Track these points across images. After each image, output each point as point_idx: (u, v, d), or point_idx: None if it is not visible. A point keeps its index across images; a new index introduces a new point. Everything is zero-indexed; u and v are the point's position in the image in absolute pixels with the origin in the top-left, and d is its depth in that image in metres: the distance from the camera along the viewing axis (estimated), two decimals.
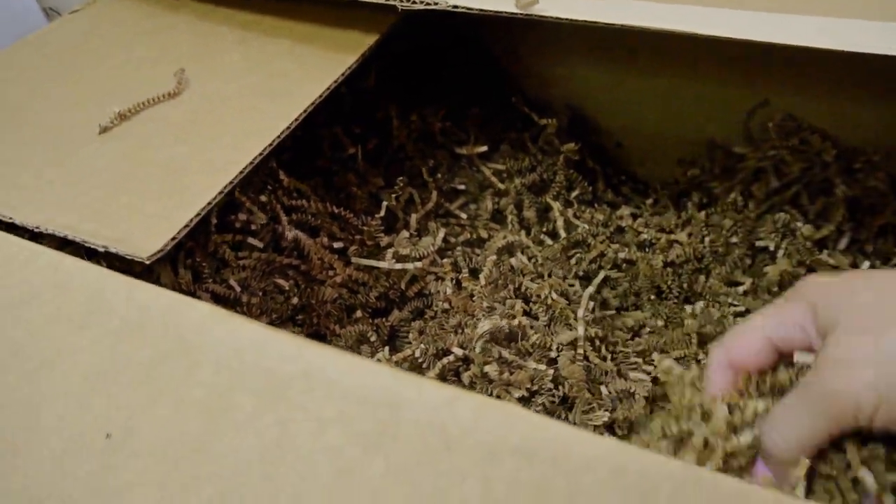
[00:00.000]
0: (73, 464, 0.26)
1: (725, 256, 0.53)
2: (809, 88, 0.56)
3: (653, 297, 0.50)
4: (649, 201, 0.60)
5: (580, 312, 0.42)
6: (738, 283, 0.51)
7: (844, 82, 0.55)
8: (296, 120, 0.38)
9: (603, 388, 0.41)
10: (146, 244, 0.32)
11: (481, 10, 0.42)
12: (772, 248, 0.51)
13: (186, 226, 0.32)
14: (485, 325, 0.39)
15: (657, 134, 0.64)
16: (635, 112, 0.63)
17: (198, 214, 0.32)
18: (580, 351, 0.41)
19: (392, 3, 0.43)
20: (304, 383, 0.24)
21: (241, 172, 0.35)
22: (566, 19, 0.42)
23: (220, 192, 0.34)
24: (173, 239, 0.31)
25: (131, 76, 0.42)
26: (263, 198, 0.46)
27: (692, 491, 0.20)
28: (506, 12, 0.43)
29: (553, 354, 0.41)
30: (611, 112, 0.64)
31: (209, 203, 0.33)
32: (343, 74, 0.41)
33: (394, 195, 0.49)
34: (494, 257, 0.46)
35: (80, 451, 0.26)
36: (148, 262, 0.31)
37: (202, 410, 0.25)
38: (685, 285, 0.51)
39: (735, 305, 0.49)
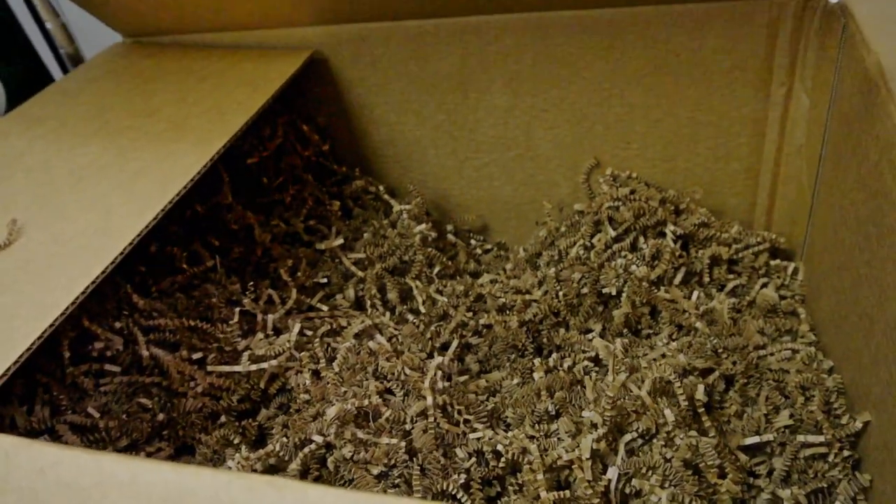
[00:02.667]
0: None
1: (578, 307, 0.56)
2: (631, 144, 0.62)
3: (512, 356, 0.53)
4: (508, 265, 0.64)
5: (426, 382, 0.44)
6: (591, 331, 0.55)
7: (658, 134, 0.61)
8: (112, 262, 0.40)
9: (458, 451, 0.43)
10: None
11: None
12: (614, 292, 0.55)
13: (7, 372, 0.33)
14: (332, 411, 0.41)
15: (513, 203, 0.69)
16: (489, 185, 0.68)
17: (21, 355, 0.34)
18: (431, 419, 0.43)
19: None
20: (100, 491, 0.26)
21: (62, 314, 0.37)
22: None
23: (45, 331, 0.35)
24: None
25: None
26: (119, 323, 0.48)
27: None
28: None
29: (408, 427, 0.44)
30: (468, 188, 0.69)
31: (31, 344, 0.35)
32: (171, 202, 0.44)
33: (250, 298, 0.51)
34: (349, 343, 0.48)
35: None
36: None
37: None
38: (545, 339, 0.55)
39: (586, 352, 0.52)
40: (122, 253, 0.42)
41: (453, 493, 0.39)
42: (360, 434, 0.42)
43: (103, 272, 0.40)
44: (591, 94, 0.60)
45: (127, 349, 0.47)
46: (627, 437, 0.40)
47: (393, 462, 0.42)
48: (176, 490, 0.26)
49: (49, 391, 0.44)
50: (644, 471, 0.37)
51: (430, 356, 0.51)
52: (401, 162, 0.68)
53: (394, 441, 0.41)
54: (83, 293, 0.39)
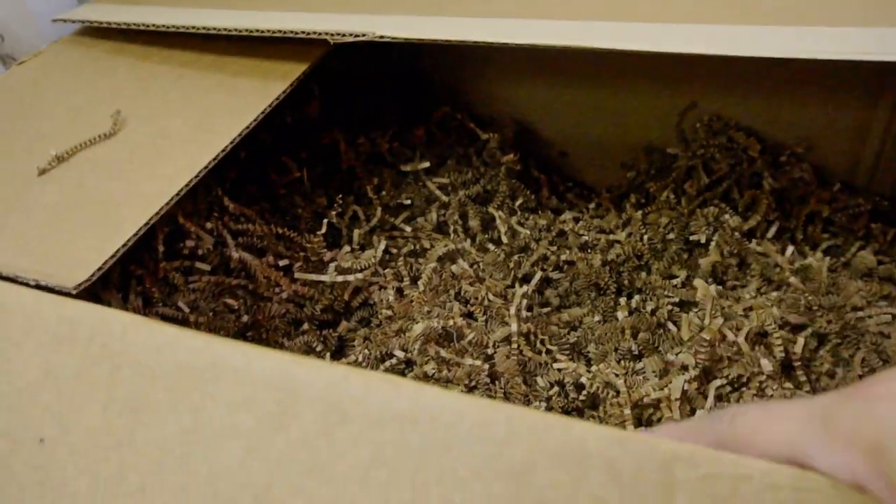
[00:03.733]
0: (14, 464, 0.28)
1: (663, 252, 0.55)
2: (734, 90, 0.59)
3: (592, 294, 0.52)
4: (592, 205, 0.62)
5: (512, 310, 0.44)
6: (675, 276, 0.53)
7: (767, 81, 0.58)
8: (226, 147, 0.40)
9: (539, 380, 0.43)
10: (74, 276, 0.34)
11: (406, 38, 0.45)
12: (703, 240, 0.53)
13: (113, 256, 0.34)
14: (418, 328, 0.41)
15: (599, 142, 0.66)
16: (577, 123, 0.66)
17: (124, 245, 0.35)
18: (514, 346, 0.43)
19: (323, 37, 0.46)
20: (213, 373, 0.26)
21: (168, 203, 0.37)
22: (497, 43, 0.45)
23: (146, 224, 0.36)
24: (99, 269, 0.34)
25: (72, 120, 0.44)
26: (210, 224, 0.48)
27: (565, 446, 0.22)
28: (437, 40, 0.45)
29: (490, 351, 0.44)
30: (554, 124, 0.67)
31: (134, 234, 0.35)
32: (271, 105, 0.44)
33: (336, 213, 0.51)
34: (434, 264, 0.48)
35: (19, 453, 0.28)
36: (74, 293, 0.33)
37: (126, 407, 0.27)
38: (626, 282, 0.54)
39: (670, 297, 0.51)
40: (224, 150, 0.42)
41: None
42: (444, 353, 0.42)
43: (206, 167, 0.41)
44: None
45: (216, 250, 0.48)
46: (718, 382, 0.40)
47: (475, 383, 0.42)
48: (290, 380, 0.26)
49: (142, 283, 0.46)
50: None
51: (511, 286, 0.51)
52: (489, 91, 0.67)
53: (477, 363, 0.41)
54: (187, 185, 0.39)
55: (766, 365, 0.38)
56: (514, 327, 0.43)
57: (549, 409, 0.41)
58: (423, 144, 0.62)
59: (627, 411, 0.37)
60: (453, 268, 0.50)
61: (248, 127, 0.43)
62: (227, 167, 0.53)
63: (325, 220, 0.49)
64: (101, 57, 0.51)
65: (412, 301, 0.46)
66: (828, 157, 0.58)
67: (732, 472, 0.21)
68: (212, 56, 0.51)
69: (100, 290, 0.42)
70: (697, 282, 0.45)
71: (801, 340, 0.40)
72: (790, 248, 0.52)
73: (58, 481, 0.27)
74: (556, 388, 0.41)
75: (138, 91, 0.47)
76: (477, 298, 0.46)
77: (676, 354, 0.44)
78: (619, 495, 0.21)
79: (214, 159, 0.41)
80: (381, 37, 0.45)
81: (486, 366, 0.41)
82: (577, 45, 0.43)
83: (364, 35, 0.45)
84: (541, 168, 0.66)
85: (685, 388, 0.38)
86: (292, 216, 0.52)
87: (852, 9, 0.42)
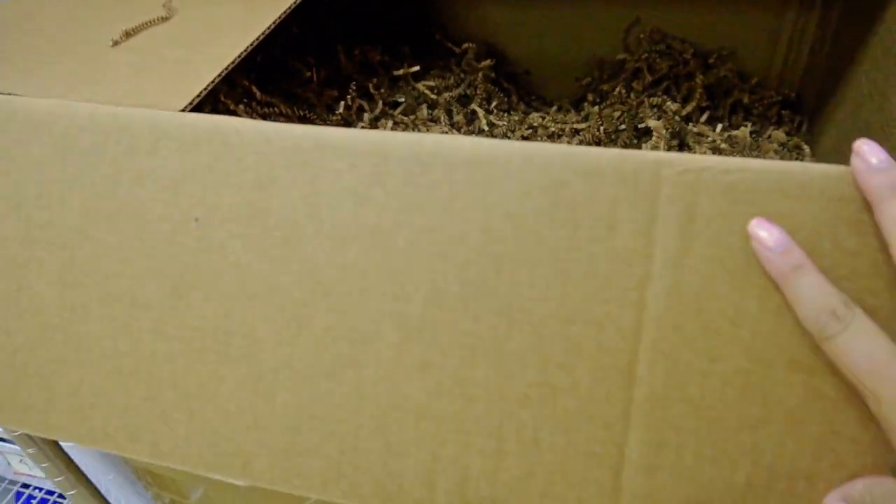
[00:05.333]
0: (179, 239, 0.36)
1: (617, 138, 0.66)
2: (671, 6, 0.71)
3: None
4: (553, 109, 0.73)
5: None
6: None
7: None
8: (270, 25, 0.48)
9: None
10: (176, 104, 0.42)
11: None
12: (651, 125, 0.65)
13: (205, 88, 0.42)
14: None
15: (558, 59, 0.77)
16: (538, 43, 0.77)
17: (211, 83, 0.43)
18: None
19: None
20: (318, 151, 0.35)
21: (239, 56, 0.45)
22: None
23: (226, 68, 0.44)
24: (197, 96, 0.42)
25: (128, 8, 0.52)
26: (241, 108, 0.56)
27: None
28: None
29: None
30: (518, 45, 0.77)
31: (218, 75, 0.43)
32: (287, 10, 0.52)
33: (348, 99, 0.60)
34: None
35: (181, 232, 0.36)
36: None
37: (255, 185, 0.36)
38: None
39: None
40: (266, 29, 0.50)
41: None
42: None
43: (258, 37, 0.49)
44: None
45: None
46: None
47: None
48: (381, 148, 0.35)
49: None
50: None
51: None
52: (460, 14, 0.76)
53: None
54: (248, 47, 0.47)
55: None
56: None
57: None
58: (409, 57, 0.71)
59: None
60: None
61: (289, 7, 0.51)
62: (248, 68, 0.61)
63: (342, 102, 0.58)
64: None
65: None
66: (746, 58, 0.71)
67: (698, 166, 0.31)
68: None
69: None
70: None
71: None
72: (719, 125, 0.64)
73: (216, 247, 0.36)
74: None
75: None
76: None
77: None
78: (626, 192, 0.32)
79: (263, 33, 0.49)
80: None
81: None
82: None
83: None
84: (508, 81, 0.76)
85: None
86: (307, 105, 0.61)
87: None
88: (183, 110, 0.41)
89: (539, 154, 0.33)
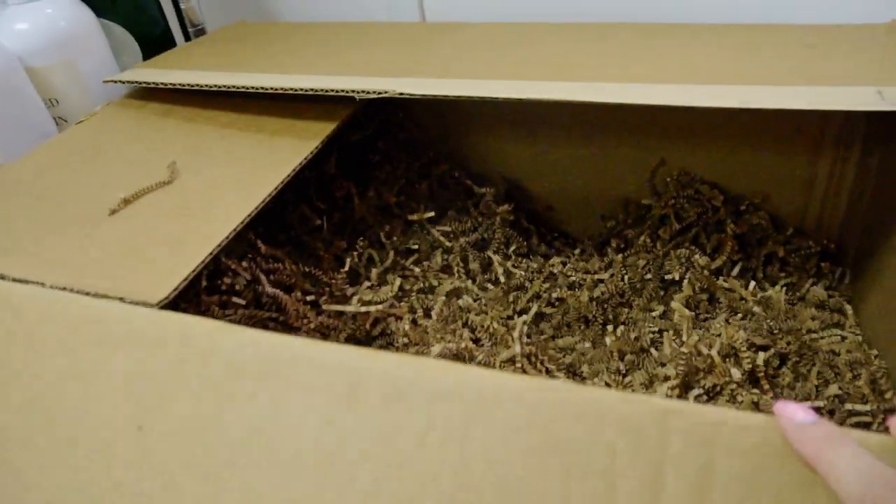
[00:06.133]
0: (117, 450, 0.33)
1: (642, 290, 0.62)
2: (698, 146, 0.68)
3: (582, 326, 0.59)
4: (577, 251, 0.70)
5: (515, 335, 0.50)
6: (653, 310, 0.61)
7: (727, 140, 0.67)
8: (268, 196, 0.47)
9: None
10: (156, 294, 0.40)
11: (423, 95, 0.52)
12: (677, 278, 0.61)
13: (186, 279, 0.40)
14: (436, 349, 0.47)
15: (581, 196, 0.75)
16: (561, 178, 0.74)
17: (193, 271, 0.41)
18: (518, 365, 0.49)
19: (350, 94, 0.53)
20: (292, 366, 0.32)
21: (226, 237, 0.43)
22: (499, 98, 0.53)
23: (210, 254, 0.42)
24: (176, 289, 0.40)
25: (131, 171, 0.51)
26: (245, 264, 0.54)
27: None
28: (449, 96, 0.53)
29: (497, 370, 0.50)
30: (540, 180, 0.75)
31: (202, 262, 0.41)
32: (306, 158, 0.51)
33: (356, 254, 0.57)
34: (444, 298, 0.55)
35: (120, 440, 0.33)
36: (158, 307, 0.39)
37: (215, 396, 0.33)
38: (611, 315, 0.61)
39: (651, 327, 0.58)
40: (268, 196, 0.48)
41: None
42: None
43: (254, 210, 0.47)
44: None
45: (249, 286, 0.54)
46: (696, 391, 0.46)
47: None
48: (355, 366, 0.32)
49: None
50: None
51: (511, 318, 0.57)
52: (481, 150, 0.75)
53: None
54: (241, 223, 0.46)
55: (736, 373, 0.45)
56: (517, 349, 0.49)
57: None
58: (427, 198, 0.69)
59: None
60: (460, 302, 0.56)
61: (287, 177, 0.50)
62: (257, 215, 0.59)
63: (348, 260, 0.56)
64: (151, 116, 0.58)
65: (426, 329, 0.52)
66: (780, 205, 0.67)
67: (712, 419, 0.27)
68: (251, 116, 0.58)
69: None
70: (675, 304, 0.52)
71: (762, 354, 0.47)
72: (752, 284, 0.60)
73: (153, 462, 0.33)
74: None
75: (188, 146, 0.54)
76: (483, 326, 0.53)
77: (661, 365, 0.50)
78: (628, 443, 0.28)
79: (262, 203, 0.48)
80: (401, 93, 0.52)
81: None
82: (558, 98, 0.51)
83: (386, 92, 0.53)
84: (529, 221, 0.74)
85: (668, 394, 0.44)
86: (315, 258, 0.59)
87: (790, 72, 0.51)
88: (162, 301, 0.39)
89: (530, 389, 0.29)
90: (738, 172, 0.67)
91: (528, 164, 0.75)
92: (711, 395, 0.47)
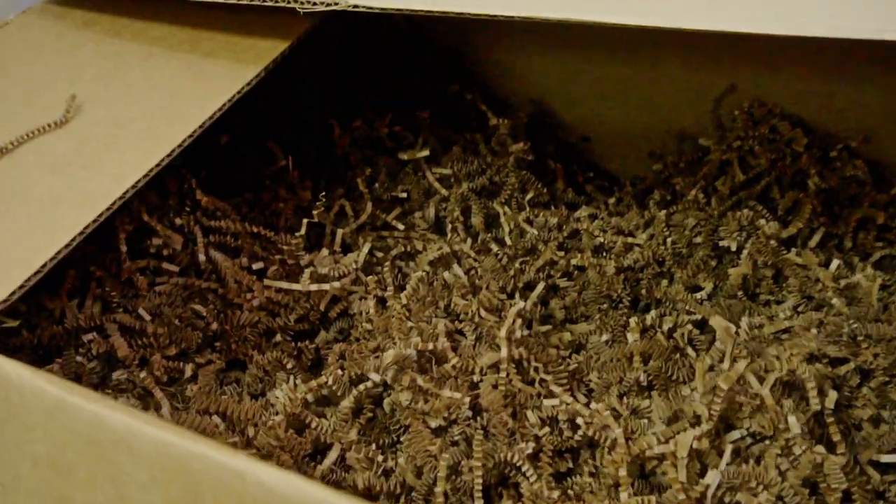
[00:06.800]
0: None
1: (688, 259, 0.49)
2: (780, 69, 0.52)
3: (604, 305, 0.46)
4: (612, 200, 0.56)
5: (503, 331, 0.38)
6: (700, 288, 0.47)
7: (819, 63, 0.50)
8: (178, 146, 0.36)
9: (529, 414, 0.38)
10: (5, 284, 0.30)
11: (382, 8, 0.39)
12: (734, 248, 0.47)
13: (38, 272, 0.30)
14: (388, 355, 0.37)
15: (625, 126, 0.60)
16: (600, 104, 0.60)
17: (53, 258, 0.30)
18: (503, 374, 0.38)
19: (291, 5, 0.40)
20: (119, 451, 0.22)
21: (109, 208, 0.33)
22: (504, 16, 0.39)
23: (82, 232, 0.32)
24: (21, 287, 0.29)
25: (23, 105, 0.40)
26: (180, 220, 0.44)
27: None
28: (421, 11, 0.40)
29: (476, 378, 0.39)
30: (575, 105, 0.61)
31: (67, 244, 0.31)
32: (240, 91, 0.39)
33: (322, 208, 0.46)
34: (422, 273, 0.43)
35: None
36: None
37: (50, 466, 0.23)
38: (643, 291, 0.48)
39: (691, 313, 0.45)
40: (180, 145, 0.37)
41: (518, 464, 0.34)
42: (420, 381, 0.37)
43: (159, 164, 0.36)
44: None
45: (186, 249, 0.44)
46: (736, 434, 0.34)
47: (454, 417, 0.37)
48: (189, 468, 0.21)
49: (102, 286, 0.42)
50: (753, 484, 0.31)
51: (511, 296, 0.45)
52: (505, 66, 0.60)
53: (457, 395, 0.36)
54: (134, 186, 0.35)
55: (794, 423, 0.33)
56: (503, 352, 0.38)
57: (539, 450, 0.36)
58: (428, 128, 0.56)
59: (623, 471, 0.32)
60: (445, 275, 0.45)
61: (210, 118, 0.38)
62: (206, 152, 0.48)
63: (305, 220, 0.44)
64: (68, 31, 0.46)
65: (393, 315, 0.41)
66: (887, 151, 0.51)
67: None
68: (187, 31, 0.46)
69: (46, 297, 0.39)
70: (714, 320, 0.39)
71: (833, 394, 0.34)
72: (835, 263, 0.45)
73: None
74: (546, 428, 0.36)
75: (100, 72, 0.42)
76: (467, 314, 0.41)
77: (691, 390, 0.38)
78: None
79: (168, 156, 0.36)
80: (355, 6, 0.39)
81: (468, 398, 0.37)
82: (589, 19, 0.37)
83: (336, 4, 0.39)
84: (559, 154, 0.60)
85: (693, 444, 0.32)
86: (272, 211, 0.48)
87: None
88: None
89: None
90: (831, 104, 0.51)
91: (560, 84, 0.60)
92: (757, 440, 0.34)
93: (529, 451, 0.35)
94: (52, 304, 0.38)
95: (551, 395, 0.38)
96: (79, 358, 0.39)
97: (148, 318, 0.41)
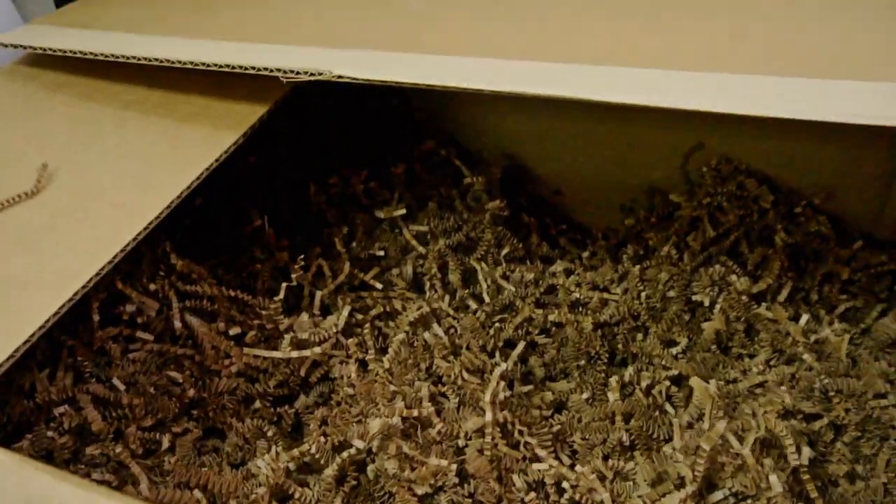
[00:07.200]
0: None
1: (662, 312, 0.50)
2: (744, 128, 0.53)
3: (582, 362, 0.47)
4: (586, 254, 0.57)
5: (487, 396, 0.38)
6: (675, 343, 0.48)
7: (779, 121, 0.52)
8: (155, 218, 0.35)
9: (515, 479, 0.37)
10: None
11: (367, 80, 0.39)
12: (706, 303, 0.48)
13: (11, 357, 0.29)
14: (375, 425, 0.36)
15: (597, 180, 0.61)
16: (574, 158, 0.61)
17: (26, 342, 0.30)
18: (488, 438, 0.38)
19: (274, 73, 0.41)
20: None
21: (84, 286, 0.32)
22: (490, 91, 0.39)
23: (56, 313, 0.31)
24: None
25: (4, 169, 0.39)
26: (154, 285, 0.43)
27: None
28: (403, 83, 0.40)
29: (461, 443, 0.38)
30: (548, 159, 0.62)
31: (41, 326, 0.30)
32: (218, 159, 0.39)
33: (298, 270, 0.46)
34: (402, 335, 0.43)
35: None
36: None
37: None
38: (620, 345, 0.48)
39: (668, 369, 0.46)
40: (157, 216, 0.37)
41: None
42: (406, 448, 0.37)
43: (135, 238, 0.36)
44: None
45: (160, 315, 0.43)
46: (719, 494, 0.34)
47: (441, 484, 0.37)
48: None
49: (74, 355, 0.41)
50: None
51: (492, 355, 0.45)
52: (478, 122, 0.61)
53: (443, 463, 0.36)
54: (111, 262, 0.34)
55: (776, 482, 0.33)
56: (488, 416, 0.38)
57: None
58: (403, 185, 0.57)
59: None
60: (426, 335, 0.45)
61: (188, 188, 0.38)
62: (180, 215, 0.48)
63: (284, 284, 0.44)
64: (40, 91, 0.46)
65: (375, 381, 0.40)
66: (848, 207, 0.53)
67: None
68: (161, 93, 0.46)
69: (14, 371, 0.37)
70: (694, 381, 0.40)
71: (805, 451, 0.35)
72: (804, 318, 0.46)
73: None
74: (533, 493, 0.36)
75: (73, 138, 0.42)
76: (450, 377, 0.41)
77: (673, 449, 0.38)
78: None
79: (145, 229, 0.36)
80: (339, 77, 0.39)
81: (455, 465, 0.36)
82: (579, 96, 0.38)
83: (320, 74, 0.40)
84: (532, 208, 0.61)
85: None
86: (249, 273, 0.47)
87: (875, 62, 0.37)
88: None
89: None
90: (794, 161, 0.53)
91: (534, 140, 0.61)
92: (740, 499, 0.35)
93: None
94: (21, 379, 0.37)
95: (536, 458, 0.38)
96: (49, 433, 0.37)
97: (122, 387, 0.40)
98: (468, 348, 0.44)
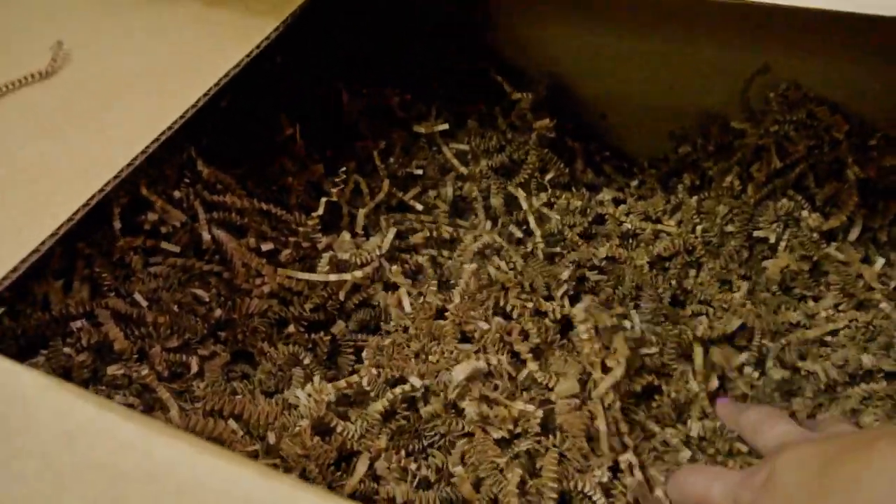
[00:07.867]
0: None
1: (719, 248, 0.46)
2: (817, 52, 0.49)
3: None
4: (634, 182, 0.53)
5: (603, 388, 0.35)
6: (734, 288, 0.45)
7: (857, 45, 0.48)
8: (192, 107, 0.31)
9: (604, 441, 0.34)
10: None
11: None
12: (772, 239, 0.45)
13: (24, 260, 0.25)
14: (459, 373, 0.33)
15: (646, 104, 0.56)
16: (621, 80, 0.56)
17: (43, 243, 0.25)
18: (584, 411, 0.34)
19: None
20: (147, 488, 0.18)
21: (115, 177, 0.28)
22: None
23: (85, 205, 0.27)
24: (7, 278, 0.24)
25: (0, 50, 0.34)
26: (178, 193, 0.39)
27: None
28: None
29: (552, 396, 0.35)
30: (594, 80, 0.57)
31: (61, 226, 0.26)
32: (259, 46, 0.34)
33: (337, 187, 0.41)
34: (473, 265, 0.39)
35: None
36: None
37: None
38: (673, 282, 0.45)
39: (724, 316, 0.43)
40: (194, 105, 0.32)
41: (589, 493, 0.31)
42: (488, 392, 0.34)
43: (170, 128, 0.31)
44: None
45: (185, 226, 0.39)
46: None
47: (520, 430, 0.33)
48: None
49: (91, 265, 0.36)
50: None
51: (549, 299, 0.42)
52: (521, 38, 0.56)
53: (530, 408, 0.33)
54: (145, 152, 0.30)
55: None
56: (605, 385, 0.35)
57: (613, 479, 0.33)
58: (441, 99, 0.52)
59: None
60: (490, 269, 0.41)
61: (225, 76, 0.33)
62: (204, 119, 0.43)
63: (324, 200, 0.40)
64: None
65: (437, 316, 0.37)
66: None
67: None
68: None
69: (27, 280, 0.33)
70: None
71: None
72: (879, 261, 0.43)
73: None
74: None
75: (92, 15, 0.37)
76: (523, 316, 0.38)
77: None
78: None
79: (181, 118, 0.31)
80: None
81: (540, 412, 0.33)
82: None
83: None
84: (575, 132, 0.56)
85: None
86: (281, 186, 0.43)
87: None
88: None
89: None
90: (870, 88, 0.49)
91: (579, 58, 0.56)
92: None
93: (605, 478, 0.33)
94: (38, 287, 0.33)
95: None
96: (66, 349, 0.34)
97: (144, 304, 0.36)
98: (532, 287, 0.41)
